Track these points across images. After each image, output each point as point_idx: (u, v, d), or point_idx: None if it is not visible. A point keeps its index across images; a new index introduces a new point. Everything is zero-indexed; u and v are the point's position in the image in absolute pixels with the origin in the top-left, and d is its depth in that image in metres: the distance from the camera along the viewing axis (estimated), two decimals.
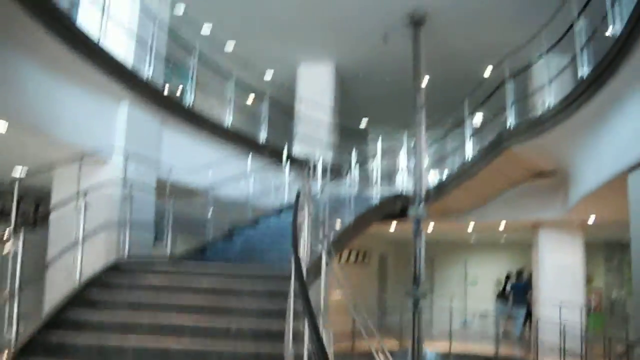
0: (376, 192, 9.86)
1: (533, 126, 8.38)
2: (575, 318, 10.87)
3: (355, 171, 9.29)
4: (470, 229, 14.12)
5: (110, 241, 6.11)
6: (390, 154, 11.54)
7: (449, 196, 10.93)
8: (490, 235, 16.38)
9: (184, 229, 8.40)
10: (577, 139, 7.87)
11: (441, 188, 10.88)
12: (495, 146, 9.38)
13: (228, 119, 9.91)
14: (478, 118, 11.52)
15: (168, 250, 7.24)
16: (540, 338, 10.60)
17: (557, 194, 11.22)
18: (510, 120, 9.11)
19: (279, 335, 4.05)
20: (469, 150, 10.23)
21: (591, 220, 11.50)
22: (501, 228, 13.72)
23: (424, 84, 11.10)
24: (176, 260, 7.00)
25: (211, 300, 5.07)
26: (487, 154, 9.66)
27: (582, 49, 6.98)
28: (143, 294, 5.13)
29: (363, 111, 15.19)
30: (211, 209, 8.52)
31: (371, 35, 12.36)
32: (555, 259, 12.09)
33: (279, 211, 9.87)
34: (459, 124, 11.09)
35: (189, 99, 9.01)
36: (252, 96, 11.49)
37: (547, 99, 7.91)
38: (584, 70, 6.88)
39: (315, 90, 13.82)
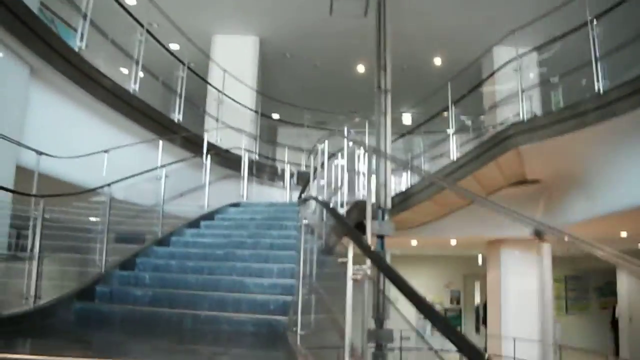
0: (340, 200, 7.24)
1: (564, 119, 6.27)
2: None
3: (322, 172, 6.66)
4: (414, 244, 12.00)
5: None
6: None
7: (416, 207, 8.55)
8: (417, 250, 14.42)
9: (58, 251, 5.13)
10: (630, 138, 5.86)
11: (409, 197, 8.46)
12: (497, 144, 7.20)
13: (133, 85, 6.63)
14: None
15: (32, 298, 3.99)
16: None
17: (535, 206, 9.39)
18: (522, 112, 7.00)
19: None
20: (453, 149, 7.96)
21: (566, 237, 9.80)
22: (453, 243, 11.74)
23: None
24: (49, 322, 3.79)
25: None
26: (483, 153, 7.45)
27: None
28: None
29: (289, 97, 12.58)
30: (105, 219, 5.40)
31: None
32: (521, 282, 10.24)
33: (197, 222, 7.06)
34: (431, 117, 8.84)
35: (79, 43, 5.68)
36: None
37: (597, 83, 5.80)
38: None
39: (235, 69, 10.93)
